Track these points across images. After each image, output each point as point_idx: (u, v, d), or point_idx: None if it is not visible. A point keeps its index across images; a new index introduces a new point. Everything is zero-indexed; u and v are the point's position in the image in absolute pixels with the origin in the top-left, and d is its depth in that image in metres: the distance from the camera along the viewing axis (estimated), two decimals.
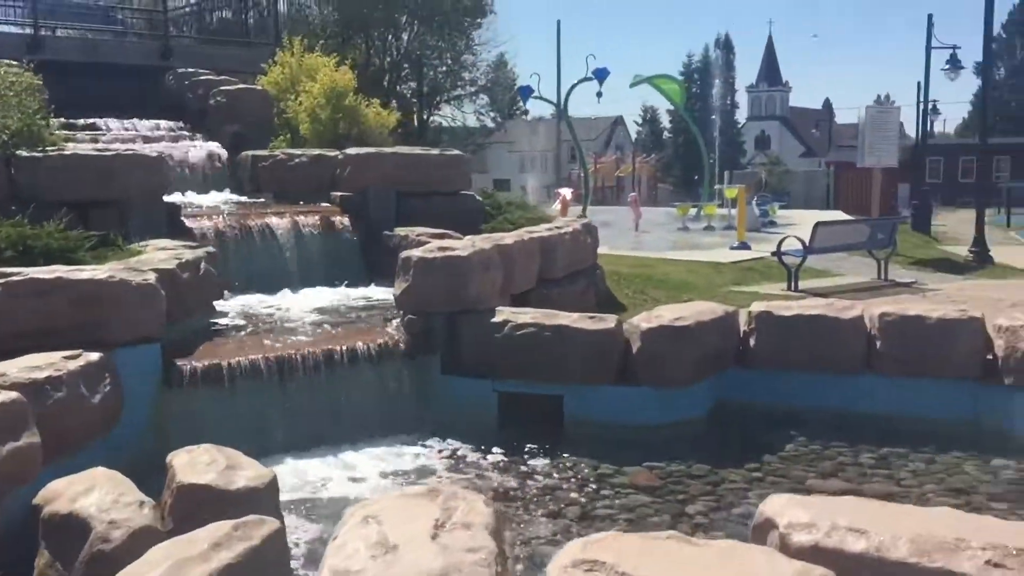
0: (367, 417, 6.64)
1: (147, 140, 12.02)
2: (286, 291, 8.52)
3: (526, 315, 6.97)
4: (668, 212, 25.20)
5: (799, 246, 12.09)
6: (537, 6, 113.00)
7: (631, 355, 6.82)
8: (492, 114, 57.40)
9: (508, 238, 8.32)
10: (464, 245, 7.34)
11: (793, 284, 11.95)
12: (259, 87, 12.32)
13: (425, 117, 52.51)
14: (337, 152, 10.21)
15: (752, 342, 7.27)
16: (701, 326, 6.78)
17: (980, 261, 16.02)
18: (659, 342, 6.72)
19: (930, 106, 44.62)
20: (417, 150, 10.29)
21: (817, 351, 7.07)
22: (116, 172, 8.36)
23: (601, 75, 28.77)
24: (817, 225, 12.08)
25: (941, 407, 6.85)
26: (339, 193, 9.90)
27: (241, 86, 12.44)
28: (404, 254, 7.23)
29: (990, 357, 6.78)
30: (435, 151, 10.31)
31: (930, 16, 24.48)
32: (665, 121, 77.86)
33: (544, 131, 61.99)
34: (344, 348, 6.57)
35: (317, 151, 10.58)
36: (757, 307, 7.36)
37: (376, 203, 9.88)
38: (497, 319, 6.94)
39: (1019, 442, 6.34)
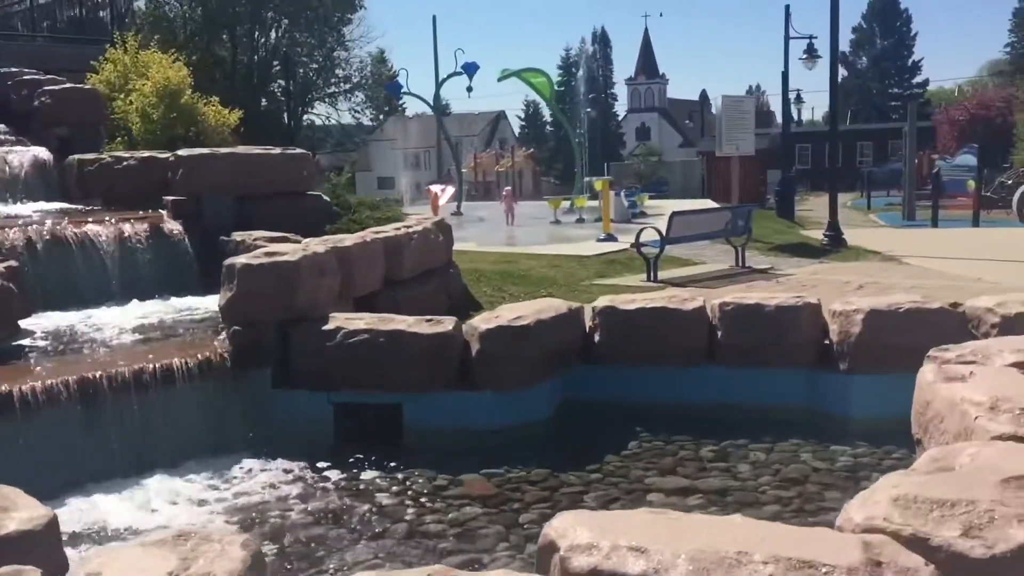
0: (187, 440, 6.16)
1: None
2: (108, 305, 7.94)
3: (360, 321, 6.62)
4: (544, 206, 25.19)
5: (657, 237, 12.08)
6: (414, 1, 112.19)
7: (470, 358, 6.55)
8: (371, 111, 56.68)
9: (348, 240, 7.96)
10: (294, 249, 6.94)
11: (652, 274, 11.93)
12: (88, 86, 11.55)
13: (298, 115, 51.56)
14: (169, 154, 9.62)
15: (596, 338, 7.12)
16: (541, 325, 6.57)
17: (835, 244, 16.44)
18: (497, 343, 6.47)
19: (793, 95, 46.36)
20: (256, 150, 9.79)
21: (660, 344, 6.97)
22: None
23: (471, 69, 28.52)
24: (673, 215, 12.10)
25: (780, 396, 6.82)
26: (172, 198, 9.32)
27: (68, 86, 11.65)
28: (228, 261, 6.78)
29: (827, 343, 6.78)
30: (276, 150, 9.84)
31: (787, 7, 25.08)
32: (547, 115, 78.59)
33: (422, 127, 61.54)
34: (157, 366, 6.09)
35: (147, 153, 9.97)
36: (601, 302, 7.21)
37: (212, 207, 9.36)
38: (329, 327, 6.57)
39: (856, 428, 6.35)
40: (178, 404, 6.21)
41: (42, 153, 11.17)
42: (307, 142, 52.67)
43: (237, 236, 8.67)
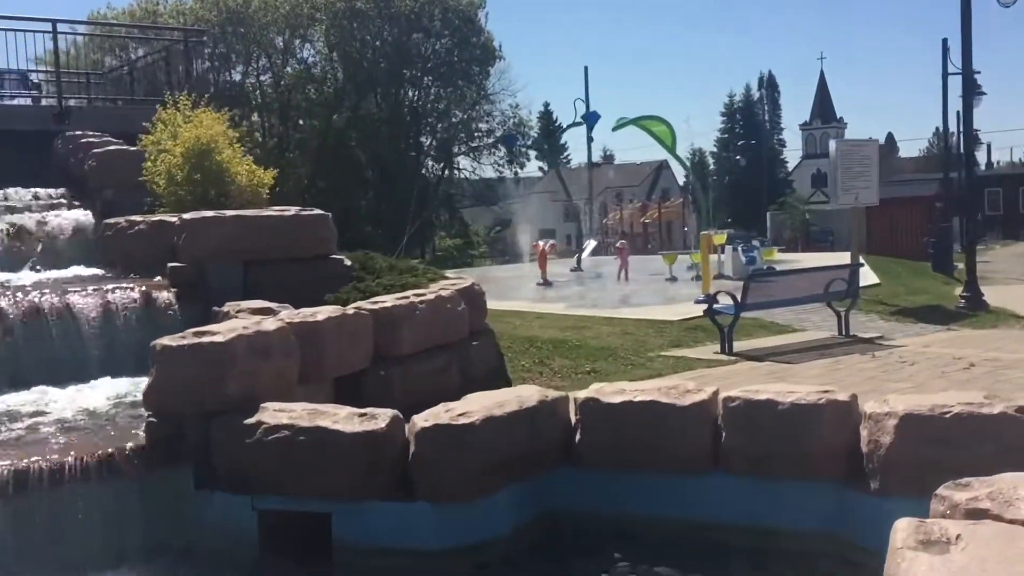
0: (76, 553, 5.35)
1: (12, 211, 11.08)
2: (76, 384, 7.34)
3: (283, 415, 5.66)
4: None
5: (731, 303, 10.63)
6: (566, 50, 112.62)
7: (408, 462, 5.49)
8: (512, 165, 56.48)
9: (321, 314, 7.08)
10: (230, 328, 6.10)
11: (725, 346, 10.48)
12: (132, 148, 11.30)
13: (442, 171, 52.13)
14: (175, 217, 9.09)
15: (579, 437, 5.90)
16: (490, 423, 5.42)
17: (972, 307, 14.35)
18: (433, 446, 5.38)
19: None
20: (266, 212, 9.11)
21: (651, 447, 5.69)
22: None
23: (592, 120, 27.69)
24: (749, 279, 10.65)
25: (796, 518, 5.40)
26: (173, 264, 8.75)
27: (111, 148, 11.45)
28: (153, 343, 6.01)
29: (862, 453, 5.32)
30: (290, 212, 9.13)
31: (944, 40, 23.10)
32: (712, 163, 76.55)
33: (585, 178, 60.92)
34: (44, 465, 5.34)
35: (158, 217, 9.48)
36: (584, 393, 5.99)
37: (217, 274, 8.69)
38: (250, 420, 5.66)
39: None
40: (76, 507, 5.42)
41: (83, 216, 10.95)
42: (445, 196, 53.33)
43: (228, 307, 7.95)
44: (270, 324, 6.41)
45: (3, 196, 11.71)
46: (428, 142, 50.01)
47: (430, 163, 51.20)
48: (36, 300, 7.79)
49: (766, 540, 5.43)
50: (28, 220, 10.68)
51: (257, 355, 6.09)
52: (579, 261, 26.37)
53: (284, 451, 5.49)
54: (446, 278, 10.32)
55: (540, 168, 65.43)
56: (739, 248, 19.86)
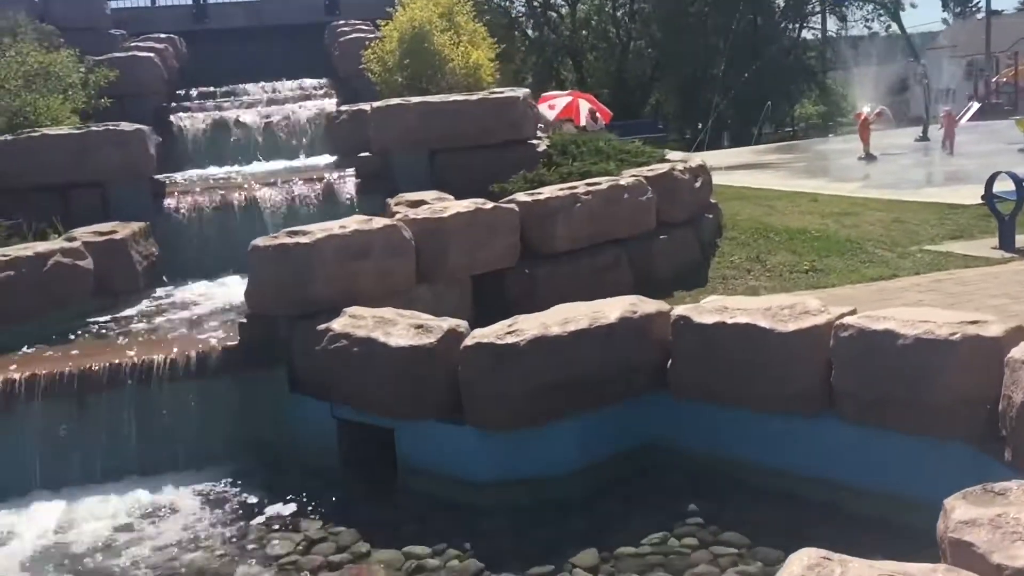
0: (183, 445, 5.55)
1: (272, 102, 11.75)
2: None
3: (352, 322, 5.38)
4: None
5: (1012, 186, 8.53)
6: None
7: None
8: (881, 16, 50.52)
9: (450, 210, 6.65)
10: (323, 228, 5.88)
11: (1005, 240, 8.48)
12: (375, 34, 11.36)
13: (797, 32, 48.17)
14: (367, 106, 9.01)
15: (672, 361, 5.02)
16: (540, 344, 4.72)
17: None
18: (474, 368, 4.81)
19: None
20: (453, 97, 8.71)
21: (748, 378, 4.67)
22: (89, 151, 8.04)
23: None
24: None
25: (923, 484, 4.13)
26: (363, 154, 8.73)
27: (354, 35, 11.63)
28: (252, 243, 5.97)
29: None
30: (475, 96, 8.66)
31: None
32: None
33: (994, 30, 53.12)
34: (164, 359, 5.56)
35: (358, 106, 9.46)
36: (677, 310, 5.03)
37: (401, 164, 8.57)
38: (321, 327, 5.45)
39: None
40: (182, 403, 5.60)
41: (329, 106, 11.31)
42: (799, 62, 49.21)
43: (395, 198, 7.80)
44: (377, 223, 6.12)
45: (272, 89, 12.48)
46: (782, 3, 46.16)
47: (788, 25, 47.42)
48: (230, 196, 8.16)
49: (876, 507, 4.27)
50: (279, 112, 11.25)
51: (352, 256, 5.84)
52: (925, 130, 23.13)
53: (345, 361, 5.25)
54: (667, 161, 9.38)
55: (943, 20, 57.74)
56: None
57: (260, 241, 5.88)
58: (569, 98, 28.04)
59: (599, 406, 4.94)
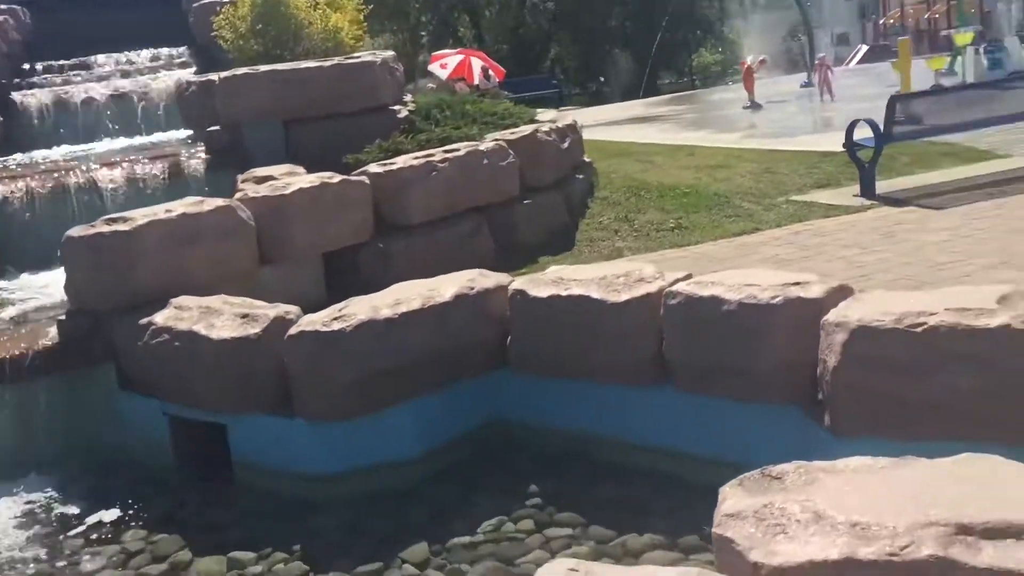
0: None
1: (125, 75, 11.14)
2: None
3: (174, 314, 5.06)
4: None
5: (871, 133, 8.57)
6: None
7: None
8: None
9: (292, 186, 6.33)
10: (145, 214, 5.51)
11: (867, 187, 8.53)
12: None
13: None
14: (216, 76, 8.57)
15: (511, 337, 4.84)
16: (367, 329, 4.48)
17: None
18: (300, 357, 4.56)
19: None
20: (304, 64, 8.32)
21: (585, 351, 4.52)
22: None
23: None
24: (893, 100, 8.43)
25: (761, 452, 4.05)
26: (212, 128, 8.30)
27: (206, 1, 11.07)
28: (67, 233, 5.57)
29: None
30: (328, 62, 8.28)
31: None
32: None
33: None
34: None
35: (206, 77, 8.99)
36: (515, 284, 4.85)
37: (254, 137, 8.18)
38: (143, 320, 5.12)
39: None
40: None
41: (188, 77, 10.75)
42: (696, 11, 49.26)
43: (243, 175, 7.41)
44: (208, 204, 5.77)
45: (125, 60, 11.84)
46: None
47: None
48: (61, 178, 7.66)
49: (723, 477, 4.15)
50: (132, 85, 10.67)
51: (180, 242, 5.50)
52: (810, 76, 23.39)
53: (169, 356, 4.93)
54: (536, 122, 9.18)
55: None
56: (980, 49, 16.44)
57: (75, 231, 5.49)
58: (461, 56, 27.58)
59: (437, 389, 4.73)
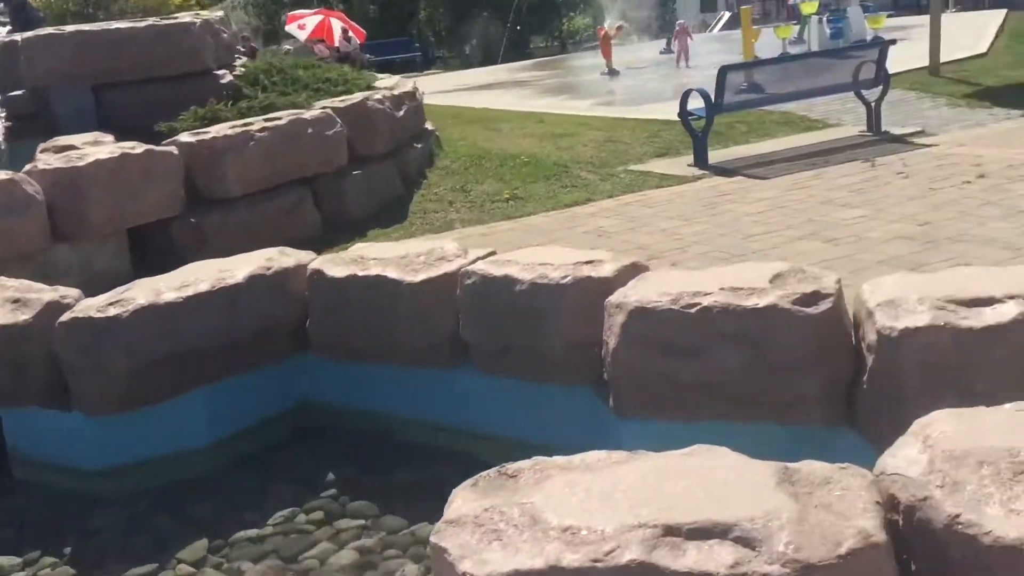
0: None
1: None
2: None
3: None
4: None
5: (703, 104, 8.66)
6: None
7: None
8: None
9: (88, 158, 5.92)
10: None
11: (700, 157, 8.63)
12: None
13: None
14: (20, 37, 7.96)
15: (310, 318, 4.64)
16: (147, 315, 4.20)
17: None
18: (72, 345, 4.25)
19: None
20: (116, 25, 7.84)
21: (384, 333, 4.36)
22: None
23: None
24: (724, 70, 8.53)
25: (558, 432, 4.01)
26: (14, 92, 7.72)
27: None
28: None
29: None
30: (142, 23, 7.81)
31: None
32: None
33: None
34: None
35: (10, 37, 8.36)
36: (314, 264, 4.65)
37: (61, 104, 7.64)
38: None
39: None
40: None
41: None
42: None
43: (44, 144, 6.90)
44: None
45: None
46: None
47: None
48: None
49: (521, 456, 4.10)
50: None
51: None
52: (669, 42, 23.70)
53: None
54: (373, 88, 8.90)
55: None
56: (823, 19, 16.92)
57: None
58: (320, 17, 26.76)
59: (232, 374, 4.49)
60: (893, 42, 10.20)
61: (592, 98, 14.87)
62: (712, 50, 21.16)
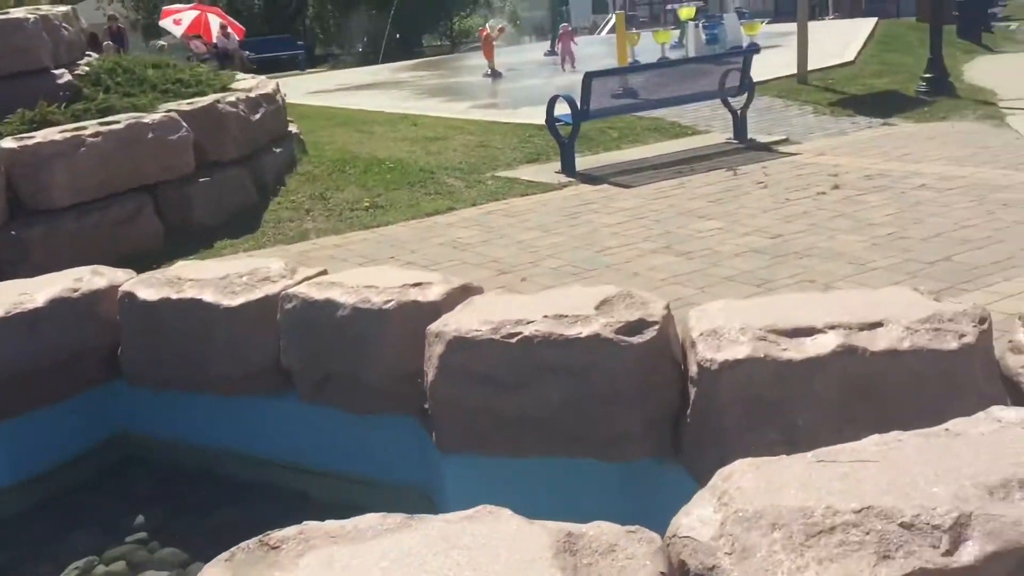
0: None
1: None
2: None
3: None
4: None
5: (569, 110, 8.53)
6: None
7: None
8: None
9: None
10: None
11: (567, 163, 8.51)
12: None
13: None
14: None
15: (122, 344, 4.27)
16: None
17: (933, 91, 11.85)
18: None
19: None
20: None
21: (198, 360, 4.03)
22: None
23: None
24: (588, 77, 8.44)
25: (382, 466, 3.78)
26: None
27: None
28: None
29: None
30: None
31: None
32: None
33: None
34: None
35: None
36: (126, 285, 4.28)
37: None
38: None
39: None
40: None
41: None
42: None
43: None
44: None
45: None
46: None
47: None
48: None
49: (352, 493, 3.84)
50: None
51: None
52: (553, 45, 23.69)
53: None
54: (230, 90, 8.47)
55: None
56: (700, 25, 17.12)
57: None
58: (196, 12, 25.81)
59: (34, 406, 4.10)
60: (757, 50, 10.30)
61: (471, 100, 14.65)
62: (598, 53, 21.20)
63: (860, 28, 19.57)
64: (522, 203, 7.51)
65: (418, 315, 3.56)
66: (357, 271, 4.08)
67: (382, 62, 26.40)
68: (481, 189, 8.16)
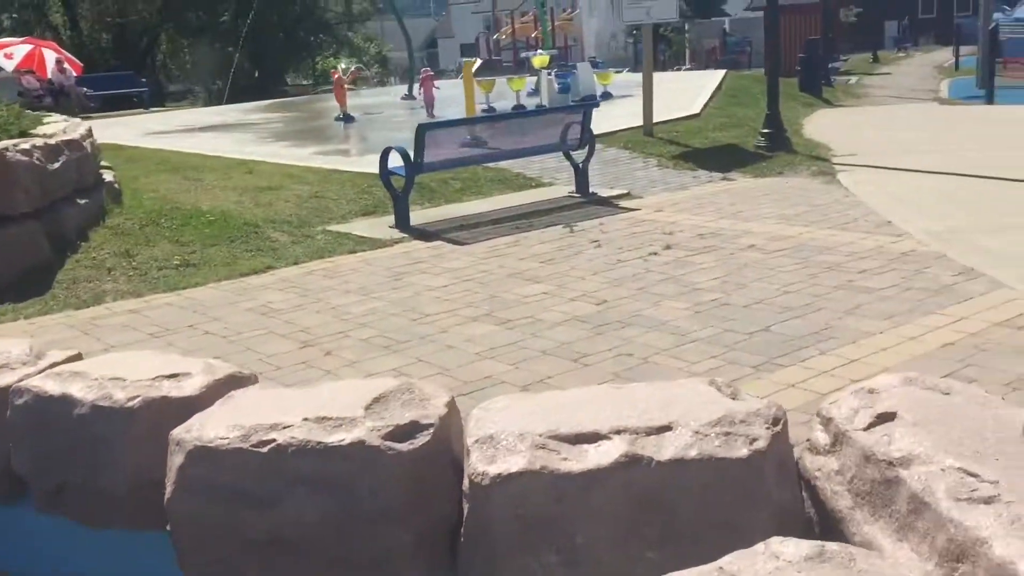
0: None
1: None
2: None
3: None
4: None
5: (402, 163, 8.19)
6: None
7: None
8: None
9: None
10: None
11: (401, 218, 8.13)
12: None
13: None
14: None
15: None
16: None
17: (771, 146, 12.07)
18: None
19: None
20: None
21: None
22: None
23: None
24: (422, 129, 8.13)
25: None
26: None
27: None
28: None
29: None
30: None
31: None
32: None
33: None
34: None
35: None
36: None
37: None
38: None
39: None
40: None
41: None
42: (314, 14, 48.38)
43: None
44: None
45: None
46: None
47: None
48: None
49: None
50: None
51: None
52: (411, 88, 23.42)
53: None
54: (31, 135, 7.74)
55: None
56: (552, 74, 17.14)
57: None
58: (29, 46, 24.40)
59: None
60: (597, 104, 10.24)
61: (316, 146, 14.13)
62: (460, 96, 21.04)
63: (709, 80, 20.03)
64: (348, 261, 7.07)
65: (168, 413, 3.09)
66: (110, 357, 3.58)
67: (229, 102, 25.47)
68: (308, 245, 7.67)
